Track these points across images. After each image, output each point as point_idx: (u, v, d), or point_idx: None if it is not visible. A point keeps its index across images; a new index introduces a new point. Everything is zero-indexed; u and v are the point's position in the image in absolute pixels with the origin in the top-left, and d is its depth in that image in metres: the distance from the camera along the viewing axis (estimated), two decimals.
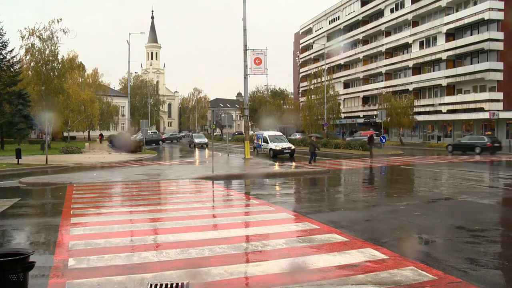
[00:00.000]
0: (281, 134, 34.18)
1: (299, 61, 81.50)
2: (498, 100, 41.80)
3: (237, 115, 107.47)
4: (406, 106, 44.72)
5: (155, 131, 69.48)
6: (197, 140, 46.08)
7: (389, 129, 51.70)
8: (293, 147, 30.05)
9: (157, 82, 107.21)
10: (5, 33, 39.68)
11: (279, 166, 22.38)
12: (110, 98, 74.74)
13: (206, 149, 42.68)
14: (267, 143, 30.54)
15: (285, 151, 29.10)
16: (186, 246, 6.94)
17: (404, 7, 53.15)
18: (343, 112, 61.96)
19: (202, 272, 5.72)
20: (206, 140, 46.65)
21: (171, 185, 15.67)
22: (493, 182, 16.99)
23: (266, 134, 32.31)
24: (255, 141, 33.95)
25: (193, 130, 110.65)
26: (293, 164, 23.74)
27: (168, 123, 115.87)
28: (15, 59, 41.84)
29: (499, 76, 42.14)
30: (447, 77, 46.55)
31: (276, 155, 28.92)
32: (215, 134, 46.04)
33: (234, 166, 22.89)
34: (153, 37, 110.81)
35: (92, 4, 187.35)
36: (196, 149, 42.87)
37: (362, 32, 61.13)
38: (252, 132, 46.69)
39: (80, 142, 52.76)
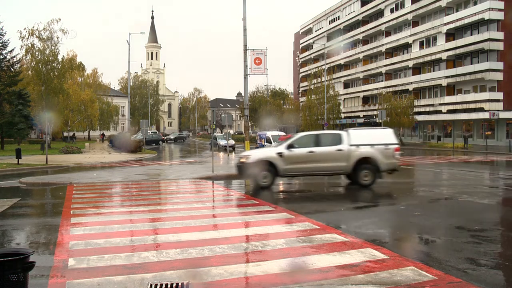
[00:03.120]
0: (284, 134, 34.18)
1: (299, 61, 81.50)
2: (498, 100, 41.83)
3: (237, 115, 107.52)
4: (406, 106, 44.80)
5: (155, 131, 69.56)
6: (222, 142, 39.32)
7: None
8: None
9: (157, 82, 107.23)
10: (5, 33, 39.83)
11: None
12: (110, 98, 74.77)
13: (233, 152, 36.17)
14: (271, 143, 30.50)
15: None
16: (186, 246, 6.93)
17: (404, 7, 53.15)
18: (343, 112, 62.00)
19: (202, 272, 5.71)
20: (233, 142, 40.27)
21: (171, 185, 15.68)
22: (493, 182, 17.00)
23: (270, 134, 32.34)
24: (258, 142, 33.87)
25: (193, 130, 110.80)
26: None
27: (168, 123, 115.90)
28: (15, 59, 41.90)
29: (499, 76, 42.16)
30: (447, 77, 46.56)
31: None
32: (215, 134, 45.58)
33: (234, 166, 22.82)
34: (153, 37, 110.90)
35: (92, 4, 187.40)
36: (221, 153, 36.37)
37: (362, 32, 61.13)
38: (252, 131, 46.59)
39: (80, 142, 52.77)
